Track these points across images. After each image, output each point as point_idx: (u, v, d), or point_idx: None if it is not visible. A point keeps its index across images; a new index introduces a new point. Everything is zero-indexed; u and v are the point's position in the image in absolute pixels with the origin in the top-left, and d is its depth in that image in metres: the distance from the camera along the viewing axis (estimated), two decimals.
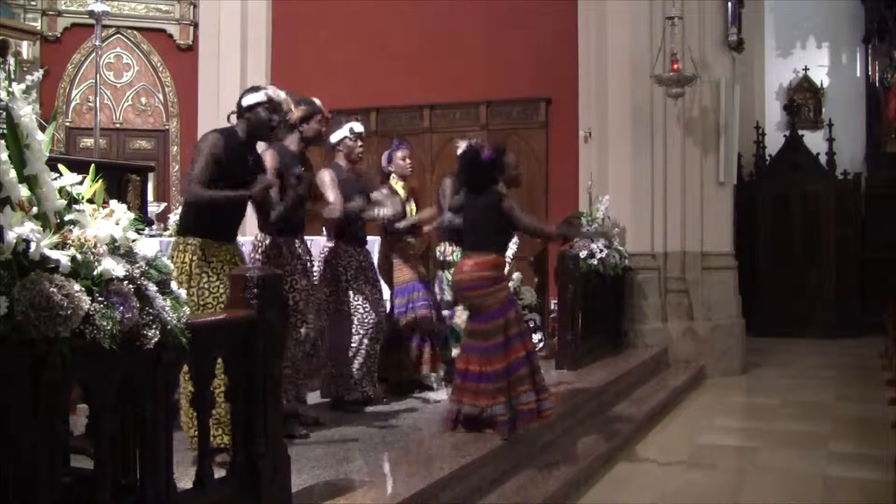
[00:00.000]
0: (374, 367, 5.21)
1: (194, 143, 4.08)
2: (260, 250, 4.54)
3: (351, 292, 5.08)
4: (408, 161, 5.81)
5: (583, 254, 7.45)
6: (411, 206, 5.81)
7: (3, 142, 2.17)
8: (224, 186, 3.87)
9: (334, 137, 5.26)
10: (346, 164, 5.21)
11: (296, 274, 4.52)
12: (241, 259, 4.07)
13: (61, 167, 2.39)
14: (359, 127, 5.31)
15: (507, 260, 7.36)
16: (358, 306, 5.06)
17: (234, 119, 4.08)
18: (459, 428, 4.54)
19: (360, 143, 5.27)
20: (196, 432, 3.74)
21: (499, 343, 4.48)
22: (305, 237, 4.77)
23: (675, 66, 7.81)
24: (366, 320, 5.07)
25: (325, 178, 4.96)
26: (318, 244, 5.34)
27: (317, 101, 4.76)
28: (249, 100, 4.04)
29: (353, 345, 5.06)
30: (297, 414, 4.58)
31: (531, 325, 7.42)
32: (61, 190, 2.31)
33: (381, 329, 5.20)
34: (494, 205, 4.61)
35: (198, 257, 3.86)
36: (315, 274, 4.89)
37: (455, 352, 5.27)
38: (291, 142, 4.66)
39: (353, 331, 5.06)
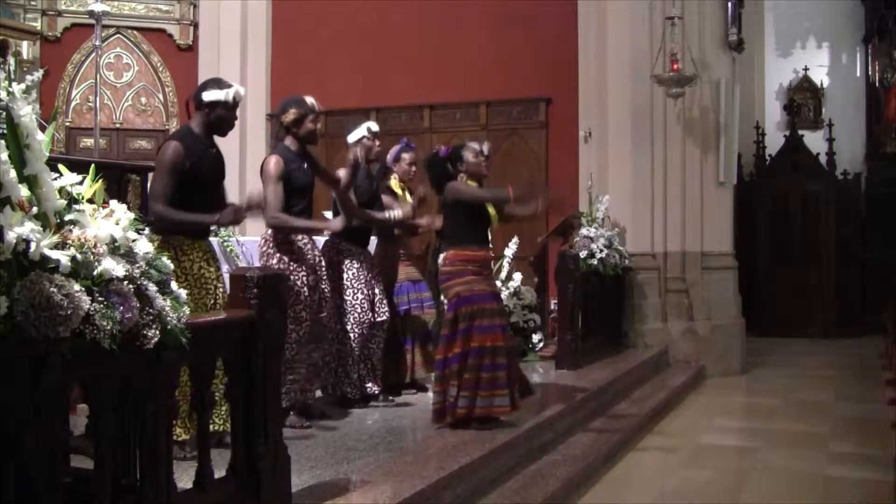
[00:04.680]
0: (376, 365, 5.26)
1: (157, 151, 4.06)
2: (270, 245, 4.61)
3: (350, 290, 5.11)
4: (413, 167, 5.81)
5: (583, 254, 7.46)
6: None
7: (3, 142, 2.17)
8: (191, 186, 3.87)
9: (352, 137, 5.34)
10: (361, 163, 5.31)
11: (302, 270, 4.60)
12: (214, 256, 4.08)
13: (61, 167, 2.39)
14: (375, 126, 5.40)
15: (507, 259, 7.41)
16: (356, 305, 5.09)
17: (192, 107, 4.04)
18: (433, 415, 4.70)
19: (377, 142, 5.38)
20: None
21: (447, 335, 4.66)
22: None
23: (675, 66, 7.81)
24: (362, 319, 5.10)
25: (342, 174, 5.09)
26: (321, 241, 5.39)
27: (308, 99, 4.78)
28: (211, 96, 3.97)
29: (350, 342, 5.10)
30: (303, 406, 4.65)
31: (531, 325, 7.42)
32: (61, 190, 2.31)
33: (381, 328, 5.22)
34: (446, 195, 4.75)
35: (169, 256, 3.84)
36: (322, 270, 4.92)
37: None
38: (291, 142, 4.74)
39: (349, 328, 5.08)
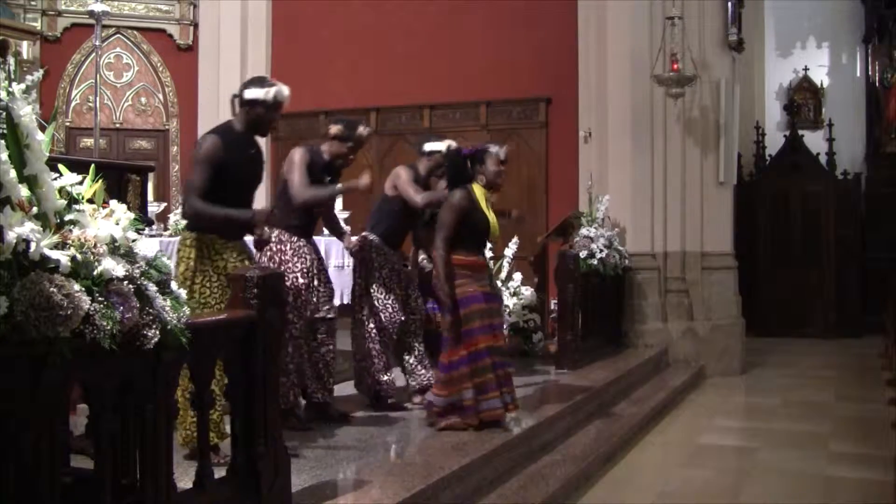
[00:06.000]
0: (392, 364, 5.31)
1: (195, 145, 4.00)
2: (280, 245, 4.60)
3: (383, 290, 5.13)
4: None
5: (583, 254, 7.46)
6: None
7: (3, 142, 2.17)
8: (228, 185, 3.80)
9: (429, 146, 5.45)
10: (424, 173, 5.40)
11: (296, 270, 4.59)
12: (249, 256, 4.01)
13: (61, 167, 2.39)
14: (455, 145, 5.45)
15: (507, 259, 7.40)
16: (388, 305, 5.11)
17: (236, 103, 3.97)
18: (436, 417, 4.64)
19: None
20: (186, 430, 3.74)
21: (453, 337, 4.59)
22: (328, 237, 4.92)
23: (675, 66, 7.81)
24: (393, 319, 5.13)
25: (402, 174, 5.20)
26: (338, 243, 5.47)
27: (361, 128, 4.80)
28: (252, 94, 3.92)
29: (377, 342, 5.12)
30: (320, 407, 4.67)
31: (531, 325, 7.42)
32: (61, 190, 2.31)
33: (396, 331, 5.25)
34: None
35: (202, 254, 3.81)
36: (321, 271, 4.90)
37: None
38: (326, 149, 4.77)
39: (381, 328, 5.11)
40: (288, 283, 4.48)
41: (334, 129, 4.74)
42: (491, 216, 4.75)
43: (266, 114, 3.94)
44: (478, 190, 4.74)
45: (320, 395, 4.76)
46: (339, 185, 4.74)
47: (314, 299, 4.70)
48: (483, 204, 4.72)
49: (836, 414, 6.73)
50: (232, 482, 2.99)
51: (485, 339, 4.60)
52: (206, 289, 3.79)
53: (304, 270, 4.64)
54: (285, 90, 4.00)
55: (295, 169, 4.57)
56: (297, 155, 4.61)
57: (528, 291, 7.51)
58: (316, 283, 4.73)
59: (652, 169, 8.27)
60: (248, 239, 4.11)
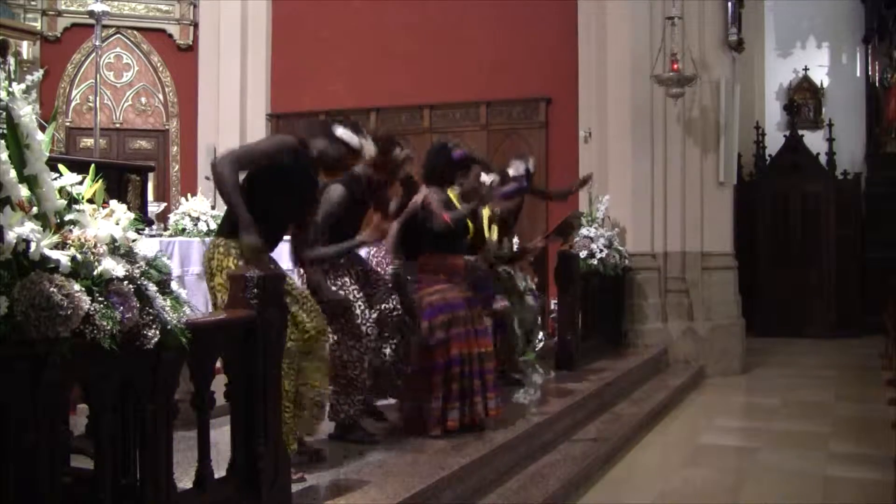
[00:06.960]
0: None
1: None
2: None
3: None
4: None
5: (583, 254, 7.46)
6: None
7: (3, 142, 2.17)
8: (283, 195, 3.65)
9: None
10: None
11: (357, 282, 4.43)
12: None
13: (61, 167, 2.39)
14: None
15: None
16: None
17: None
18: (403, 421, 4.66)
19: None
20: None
21: (425, 346, 4.54)
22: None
23: (675, 66, 7.82)
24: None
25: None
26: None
27: (398, 151, 4.49)
28: (344, 136, 3.80)
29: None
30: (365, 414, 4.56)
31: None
32: (61, 190, 2.31)
33: None
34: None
35: (240, 260, 3.57)
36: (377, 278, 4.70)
37: None
38: (359, 171, 4.48)
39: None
40: (350, 294, 4.36)
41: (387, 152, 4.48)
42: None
43: (343, 159, 3.85)
44: (451, 193, 4.73)
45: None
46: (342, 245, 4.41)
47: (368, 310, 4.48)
48: (457, 204, 4.71)
49: (836, 414, 6.73)
50: (232, 482, 2.99)
51: (466, 346, 4.53)
52: None
53: (362, 281, 4.44)
54: (370, 147, 3.92)
55: (321, 209, 4.29)
56: (335, 195, 4.33)
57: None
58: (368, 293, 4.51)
59: (652, 169, 8.28)
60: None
